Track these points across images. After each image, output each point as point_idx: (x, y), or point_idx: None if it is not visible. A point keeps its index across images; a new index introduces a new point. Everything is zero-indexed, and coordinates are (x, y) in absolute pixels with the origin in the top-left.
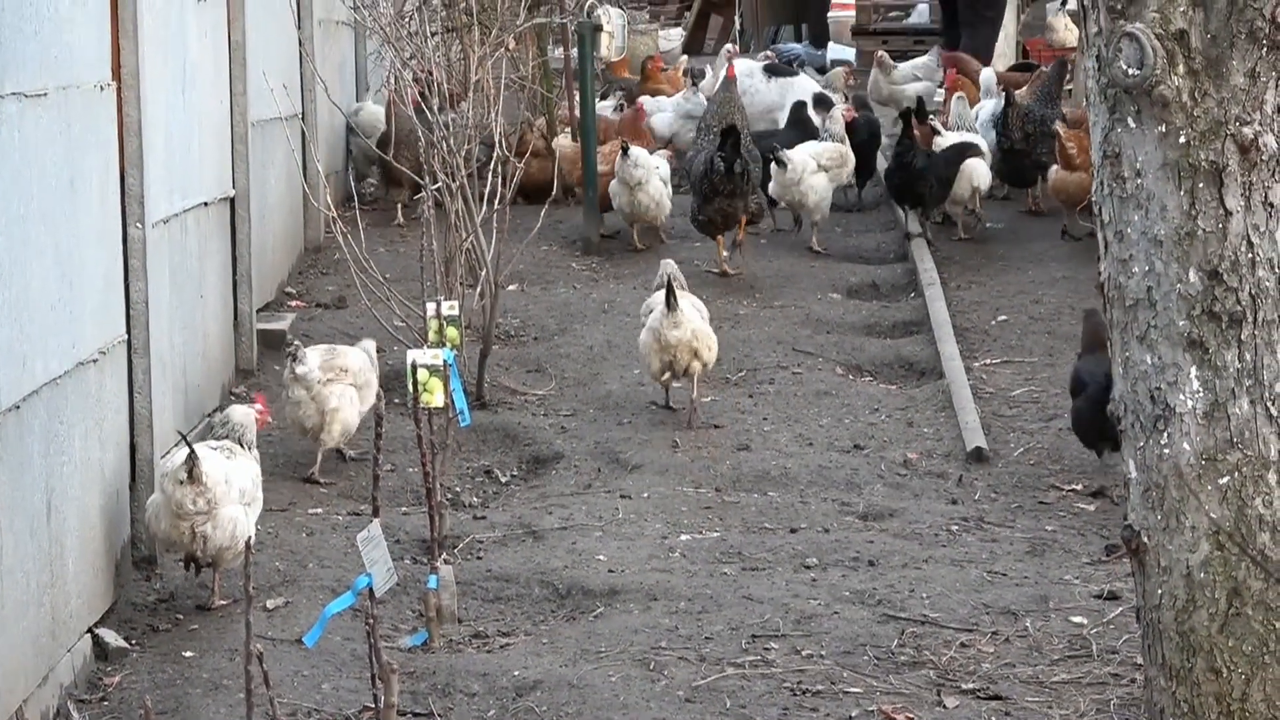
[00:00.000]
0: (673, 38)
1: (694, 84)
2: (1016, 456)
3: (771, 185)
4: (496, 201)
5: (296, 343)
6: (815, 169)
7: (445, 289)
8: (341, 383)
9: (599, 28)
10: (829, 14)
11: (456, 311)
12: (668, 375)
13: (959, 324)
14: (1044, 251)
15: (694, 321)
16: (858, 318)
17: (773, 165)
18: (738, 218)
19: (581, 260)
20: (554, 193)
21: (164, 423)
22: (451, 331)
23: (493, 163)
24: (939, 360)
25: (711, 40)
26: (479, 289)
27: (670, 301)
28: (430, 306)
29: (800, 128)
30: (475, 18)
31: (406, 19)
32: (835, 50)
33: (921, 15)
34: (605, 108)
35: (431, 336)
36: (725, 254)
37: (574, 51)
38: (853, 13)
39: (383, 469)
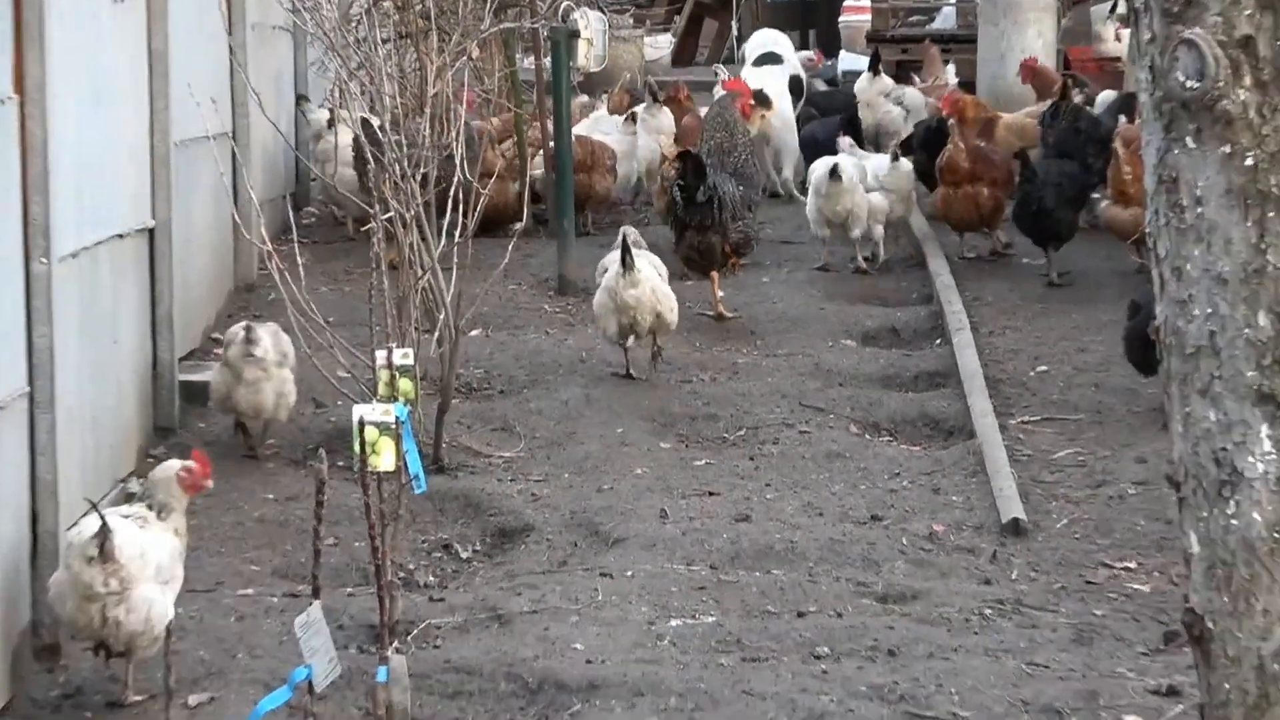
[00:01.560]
0: (660, 45)
1: (632, 115)
2: (1059, 529)
3: (811, 200)
4: (458, 234)
5: (247, 323)
6: (875, 189)
7: (397, 334)
8: (285, 367)
9: (576, 34)
10: (840, 19)
11: (410, 360)
12: (631, 339)
13: (992, 375)
14: (1090, 292)
15: (653, 280)
16: (875, 368)
17: (813, 177)
18: (716, 252)
19: (555, 302)
20: (523, 221)
21: (70, 488)
22: (405, 383)
23: (453, 189)
24: (969, 417)
25: (705, 48)
26: (436, 334)
27: (626, 260)
28: (380, 355)
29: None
30: (433, 21)
31: (353, 23)
32: (847, 60)
33: (947, 19)
34: (599, 124)
35: (381, 389)
36: (720, 293)
37: (547, 61)
38: (867, 17)
39: (324, 543)
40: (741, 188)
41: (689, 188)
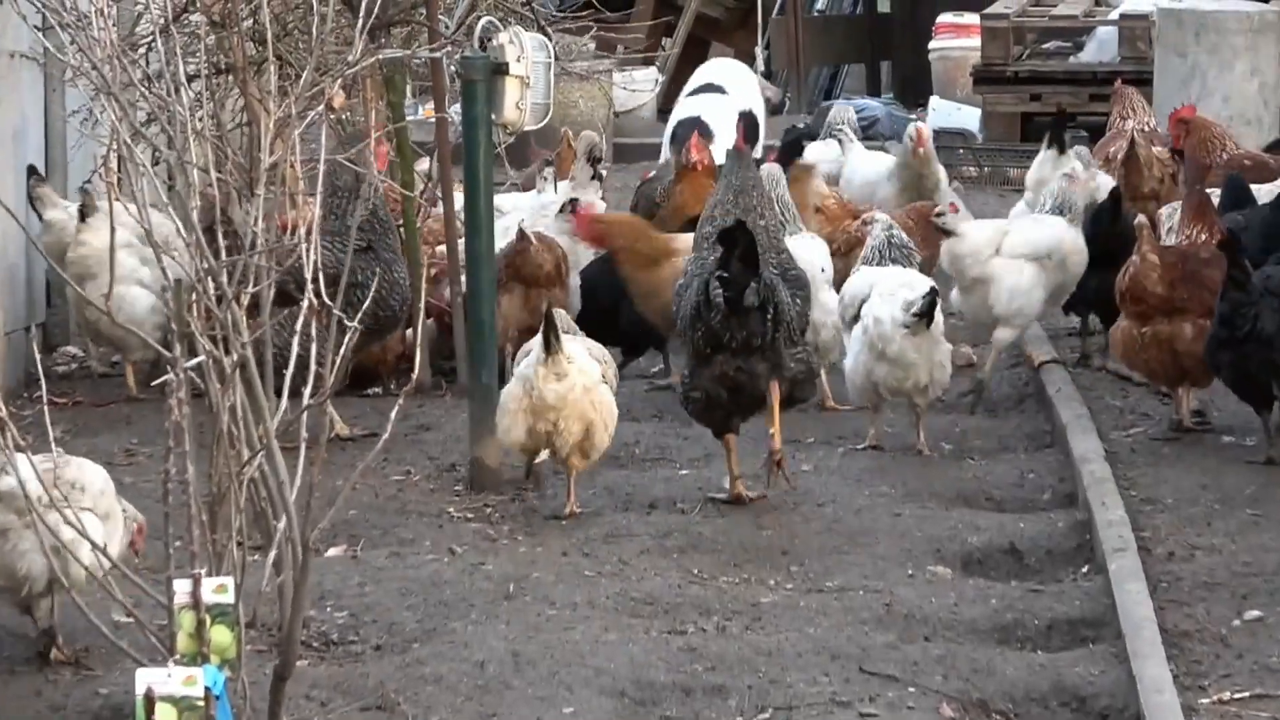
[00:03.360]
0: (641, 85)
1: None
2: None
3: (860, 355)
4: (309, 393)
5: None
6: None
7: (209, 554)
8: (79, 506)
9: (503, 68)
10: (931, 46)
11: (230, 597)
12: (542, 457)
13: (1171, 626)
14: None
15: (587, 375)
16: (982, 612)
17: (868, 313)
18: (761, 390)
19: (466, 502)
20: (415, 374)
21: None
22: (220, 634)
23: (299, 321)
24: (1134, 694)
25: None
26: (273, 554)
27: (550, 340)
28: (181, 586)
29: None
30: (270, 46)
31: (141, 49)
32: (942, 110)
33: (1104, 48)
34: (533, 210)
35: (183, 642)
36: (738, 471)
37: (455, 111)
38: (974, 42)
39: None
40: (798, 299)
41: (734, 282)
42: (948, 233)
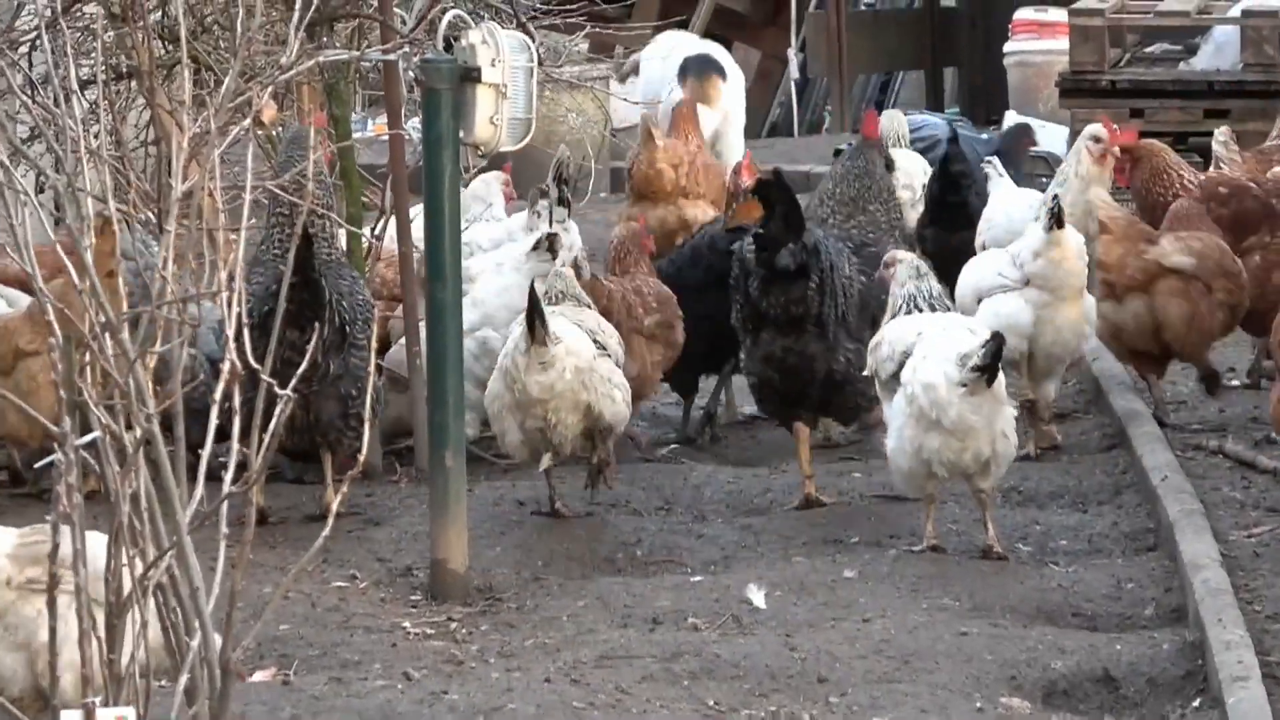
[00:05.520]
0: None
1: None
2: None
3: (906, 433)
4: (229, 479)
5: None
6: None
7: (107, 680)
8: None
9: (472, 73)
10: (1006, 49)
11: None
12: (547, 458)
13: None
14: None
15: (578, 355)
16: None
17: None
18: (818, 374)
19: (425, 613)
20: (362, 454)
21: None
22: None
23: (218, 391)
24: None
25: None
26: (184, 679)
27: (534, 324)
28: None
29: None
30: (183, 46)
31: (20, 51)
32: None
33: (1222, 52)
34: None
35: None
36: (810, 469)
37: (414, 125)
38: (1060, 44)
39: None
40: (863, 276)
41: (768, 241)
42: None
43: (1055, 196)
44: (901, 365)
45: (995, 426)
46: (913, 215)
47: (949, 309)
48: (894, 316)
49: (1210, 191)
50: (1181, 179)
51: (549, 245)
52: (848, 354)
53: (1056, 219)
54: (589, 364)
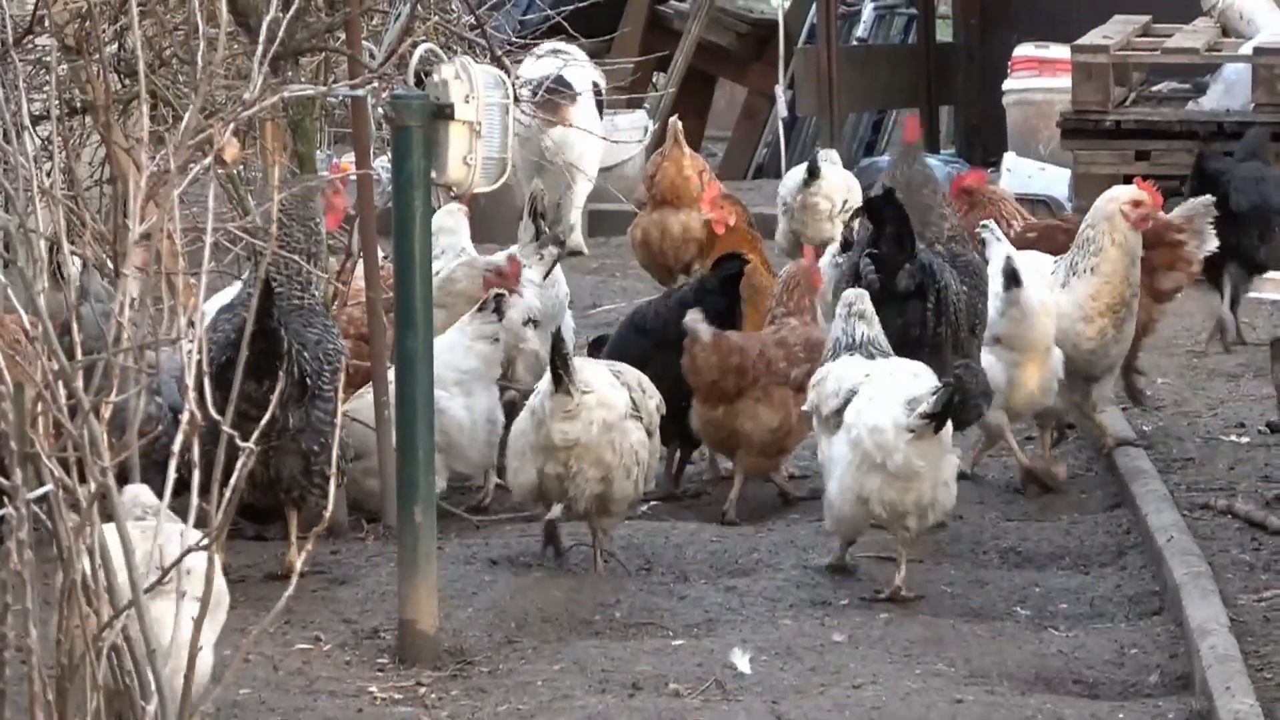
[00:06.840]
0: (624, 130)
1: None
2: None
3: (847, 478)
4: (187, 529)
5: None
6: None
7: None
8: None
9: (445, 110)
10: (1005, 87)
11: None
12: (558, 508)
13: None
14: None
15: (609, 409)
16: None
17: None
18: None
19: (393, 677)
20: (328, 511)
21: None
22: None
23: (177, 443)
24: None
25: (714, 145)
26: None
27: (560, 371)
28: None
29: None
30: (141, 80)
31: None
32: (1019, 171)
33: (1232, 91)
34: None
35: None
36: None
37: (383, 163)
38: (1060, 83)
39: None
40: (966, 287)
41: (886, 263)
42: None
43: (1008, 258)
44: (846, 403)
45: (939, 474)
46: (827, 227)
47: (887, 355)
48: (836, 356)
49: (1020, 237)
50: (1011, 223)
51: (495, 307)
52: (969, 375)
53: (1013, 278)
54: (618, 421)
